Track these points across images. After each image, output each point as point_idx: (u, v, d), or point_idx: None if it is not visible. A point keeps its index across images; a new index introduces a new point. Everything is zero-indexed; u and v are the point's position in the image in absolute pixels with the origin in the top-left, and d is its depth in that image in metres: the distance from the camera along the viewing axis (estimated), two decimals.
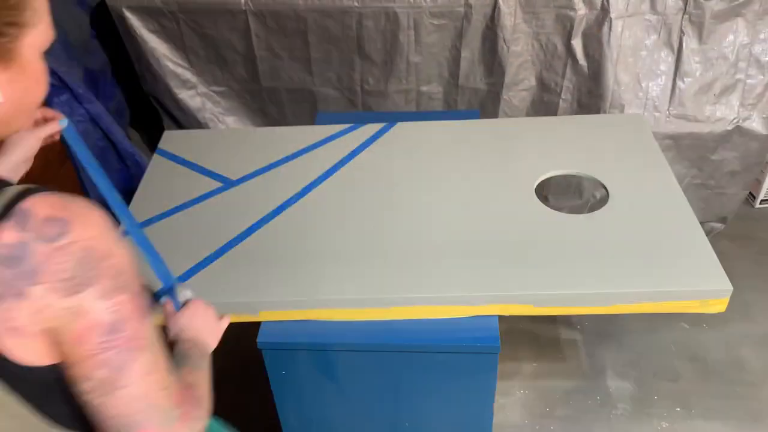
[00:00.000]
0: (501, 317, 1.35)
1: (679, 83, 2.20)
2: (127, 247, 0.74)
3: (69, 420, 0.80)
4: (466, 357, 1.34)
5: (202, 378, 0.95)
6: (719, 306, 1.33)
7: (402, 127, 1.81)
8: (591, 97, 2.25)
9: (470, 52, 2.25)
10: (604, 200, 1.56)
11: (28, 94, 0.76)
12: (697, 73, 2.19)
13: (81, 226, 0.70)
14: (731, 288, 1.30)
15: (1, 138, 0.78)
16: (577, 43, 2.17)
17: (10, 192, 0.70)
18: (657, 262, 1.36)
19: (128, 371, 0.74)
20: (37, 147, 1.23)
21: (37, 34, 0.74)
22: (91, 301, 0.70)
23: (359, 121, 1.85)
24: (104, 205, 0.97)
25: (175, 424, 0.80)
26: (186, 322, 1.07)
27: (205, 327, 1.08)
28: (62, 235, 0.68)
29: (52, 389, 0.76)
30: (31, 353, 0.71)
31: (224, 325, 1.12)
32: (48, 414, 0.78)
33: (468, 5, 2.13)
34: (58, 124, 1.19)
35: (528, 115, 2.37)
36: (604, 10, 2.09)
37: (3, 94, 0.71)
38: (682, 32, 2.13)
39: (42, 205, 0.69)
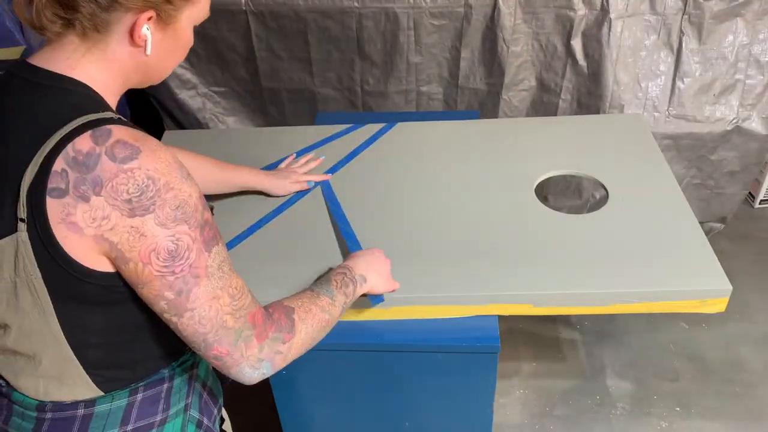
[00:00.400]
0: (501, 317, 1.35)
1: (678, 83, 2.21)
2: (194, 185, 0.82)
3: (97, 357, 0.89)
4: (465, 357, 1.34)
5: (320, 304, 1.03)
6: (719, 306, 1.33)
7: (402, 128, 1.81)
8: (591, 97, 2.26)
9: (470, 52, 2.26)
10: (603, 200, 1.56)
11: (171, 56, 0.89)
12: (697, 74, 2.19)
13: (149, 157, 0.77)
14: (731, 288, 1.30)
15: (137, 85, 0.91)
16: (576, 44, 2.17)
17: (106, 115, 0.79)
18: (656, 261, 1.36)
19: (192, 295, 0.81)
20: (287, 191, 1.55)
21: (197, 9, 0.90)
22: (151, 226, 0.77)
23: (359, 121, 1.86)
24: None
25: (250, 342, 0.87)
26: (359, 256, 1.20)
27: (372, 264, 1.20)
28: (130, 160, 0.76)
29: (95, 305, 0.84)
30: (84, 252, 0.78)
31: (394, 285, 1.25)
32: (79, 344, 0.87)
33: (468, 5, 2.14)
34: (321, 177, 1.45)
35: (528, 115, 2.38)
36: (604, 11, 2.09)
37: (152, 49, 0.84)
38: (681, 32, 2.13)
39: (121, 131, 0.77)
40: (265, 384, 1.47)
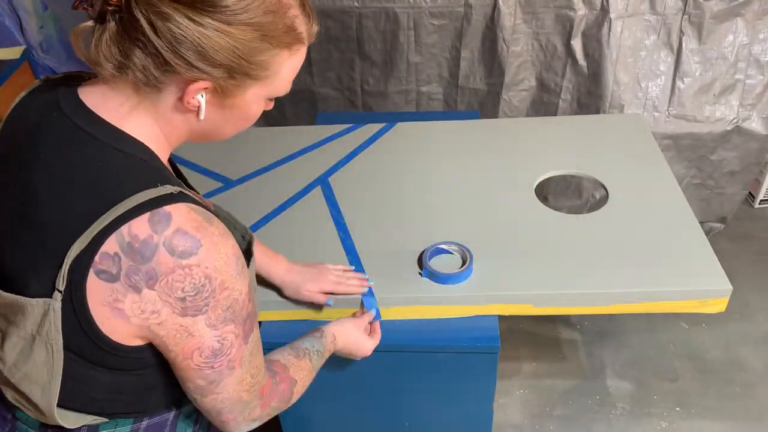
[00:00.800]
0: (501, 317, 1.35)
1: (678, 83, 2.21)
2: (246, 278, 0.79)
3: (101, 406, 0.86)
4: (466, 357, 1.34)
5: (311, 377, 1.08)
6: (719, 306, 1.33)
7: (402, 128, 1.81)
8: (591, 97, 2.25)
9: (470, 52, 2.25)
10: (603, 200, 1.56)
11: (230, 125, 0.83)
12: (697, 74, 2.19)
13: (210, 252, 0.73)
14: (731, 288, 1.30)
15: (197, 140, 0.86)
16: (576, 44, 2.17)
17: (165, 190, 0.73)
18: (657, 261, 1.36)
19: (223, 384, 0.83)
20: (298, 296, 1.34)
21: (269, 89, 0.80)
22: (201, 327, 0.76)
23: (359, 121, 1.86)
24: None
25: (254, 411, 0.91)
26: (350, 344, 1.22)
27: (353, 342, 1.22)
28: (189, 255, 0.72)
29: (112, 370, 0.81)
30: (121, 334, 0.76)
31: (371, 345, 1.25)
32: (83, 401, 0.84)
33: (468, 5, 2.14)
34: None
35: (528, 115, 2.38)
36: (604, 11, 2.09)
37: (206, 115, 0.78)
38: (681, 32, 2.13)
39: (181, 215, 0.72)
40: None
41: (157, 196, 0.72)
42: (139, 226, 0.70)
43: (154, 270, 0.71)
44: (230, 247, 0.76)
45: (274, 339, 1.35)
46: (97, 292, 0.72)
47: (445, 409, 1.49)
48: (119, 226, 0.70)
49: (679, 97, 2.22)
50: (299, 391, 1.03)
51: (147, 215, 0.70)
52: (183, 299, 0.73)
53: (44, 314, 0.74)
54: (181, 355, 0.78)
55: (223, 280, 0.74)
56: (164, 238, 0.71)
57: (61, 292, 0.72)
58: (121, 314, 0.73)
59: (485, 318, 1.35)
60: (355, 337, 1.22)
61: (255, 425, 0.94)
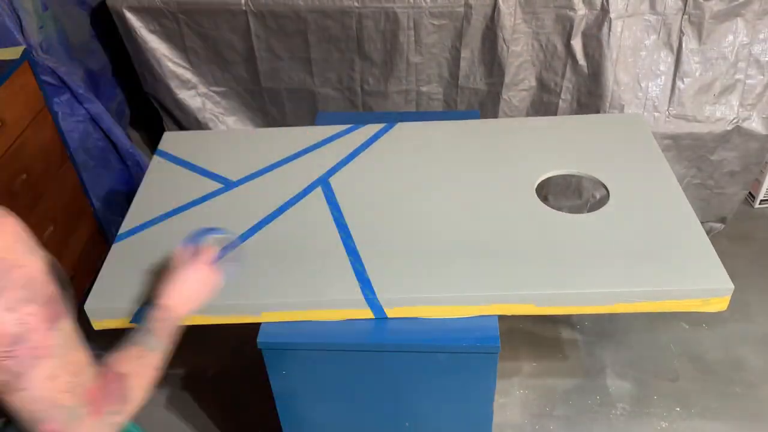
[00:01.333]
0: (501, 317, 1.35)
1: (678, 83, 2.21)
2: (39, 254, 0.75)
3: None
4: (466, 357, 1.34)
5: (148, 363, 0.96)
6: (721, 305, 1.33)
7: (402, 128, 1.81)
8: (591, 97, 2.26)
9: (470, 52, 2.26)
10: (603, 200, 1.56)
11: None
12: (697, 74, 2.19)
13: None
14: (732, 286, 1.30)
15: None
16: (576, 44, 2.17)
17: None
18: (658, 260, 1.36)
19: (28, 377, 0.75)
20: None
21: None
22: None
23: (359, 121, 1.85)
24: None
25: (84, 421, 0.81)
26: (175, 291, 1.11)
27: (190, 295, 1.12)
28: None
29: None
30: None
31: (215, 282, 1.16)
32: None
33: (468, 5, 2.14)
34: None
35: (528, 115, 2.38)
36: (604, 11, 2.09)
37: None
38: (681, 32, 2.13)
39: None
40: (265, 384, 1.47)
41: None
42: None
43: None
44: (11, 224, 0.73)
45: (275, 339, 1.36)
46: None
47: (445, 409, 1.49)
48: None
49: (679, 97, 2.22)
50: (139, 384, 0.92)
51: None
52: None
53: None
54: None
55: (14, 258, 0.72)
56: None
57: None
58: None
59: (485, 318, 1.35)
60: (190, 284, 1.12)
61: None
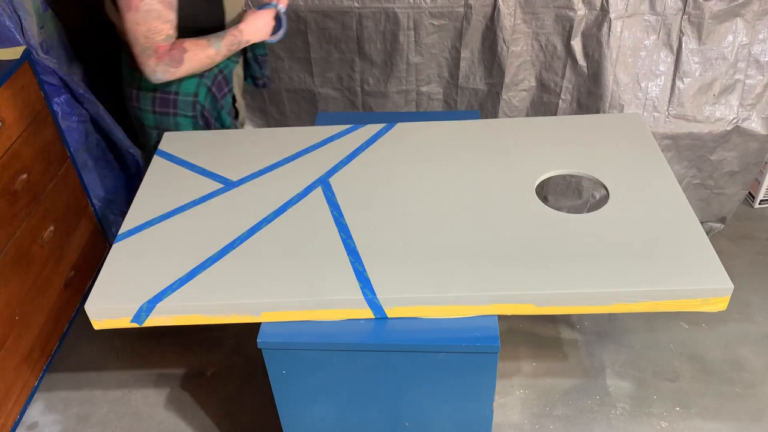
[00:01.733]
0: (501, 317, 1.36)
1: (678, 83, 2.21)
2: None
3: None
4: (465, 357, 1.35)
5: (207, 51, 1.66)
6: (720, 304, 1.33)
7: (402, 128, 1.81)
8: (590, 97, 2.26)
9: (470, 52, 2.26)
10: (603, 200, 1.56)
11: None
12: (697, 74, 2.19)
13: None
14: (732, 286, 1.30)
15: None
16: (576, 44, 2.17)
17: None
18: (657, 260, 1.36)
19: (126, 17, 1.52)
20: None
21: None
22: None
23: (359, 121, 1.86)
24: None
25: (150, 59, 1.58)
26: (250, 21, 1.75)
27: (260, 31, 1.78)
28: None
29: None
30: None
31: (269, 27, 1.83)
32: None
33: (468, 5, 2.14)
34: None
35: (528, 115, 2.38)
36: (604, 11, 2.09)
37: None
38: (681, 32, 2.13)
39: None
40: (265, 384, 1.47)
41: None
42: None
43: None
44: None
45: (275, 339, 1.36)
46: None
47: (444, 409, 1.49)
48: None
49: (679, 97, 2.23)
50: (193, 58, 1.63)
51: None
52: None
53: None
54: None
55: None
56: None
57: None
58: None
59: (485, 318, 1.35)
60: (260, 20, 1.76)
61: (159, 76, 1.60)
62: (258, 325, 1.38)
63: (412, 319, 1.36)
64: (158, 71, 1.59)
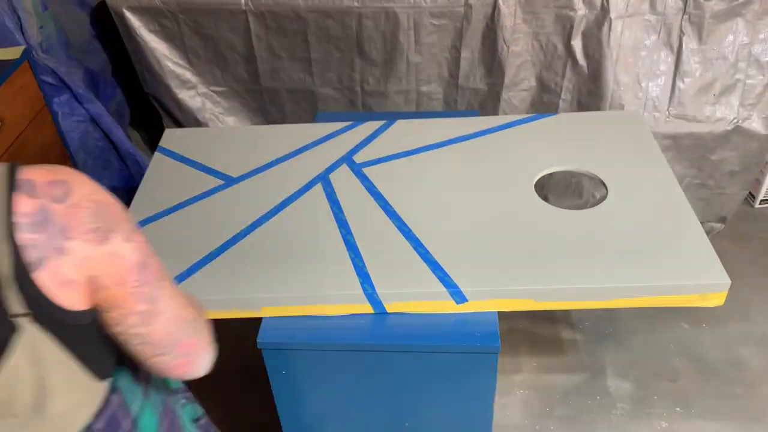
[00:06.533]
0: (501, 317, 1.35)
1: (678, 83, 2.21)
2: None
3: (102, 363, 0.86)
4: (465, 357, 1.34)
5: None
6: (718, 299, 1.33)
7: (401, 125, 1.81)
8: (591, 97, 2.26)
9: (470, 52, 2.26)
10: (603, 199, 1.56)
11: None
12: (697, 73, 2.19)
13: (79, 184, 0.76)
14: (729, 281, 1.30)
15: None
16: (576, 44, 2.17)
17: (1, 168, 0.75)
18: (655, 255, 1.36)
19: (161, 299, 0.82)
20: None
21: None
22: (120, 244, 0.76)
23: (359, 120, 1.86)
24: None
25: (204, 330, 0.91)
26: None
27: None
28: (69, 194, 0.74)
29: (89, 331, 0.81)
30: (76, 300, 0.76)
31: None
32: (84, 358, 0.82)
33: (468, 5, 2.14)
34: None
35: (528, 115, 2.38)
36: (604, 11, 2.09)
37: None
38: (681, 32, 2.13)
39: (37, 173, 0.75)
40: (265, 383, 1.46)
41: (3, 177, 0.74)
42: (22, 204, 0.72)
43: (58, 224, 0.72)
44: (84, 174, 0.79)
45: (275, 338, 1.36)
46: (48, 281, 0.73)
47: (445, 409, 1.48)
48: (10, 217, 0.71)
49: (680, 97, 2.23)
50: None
51: (20, 193, 0.72)
52: (97, 228, 0.74)
53: (32, 353, 0.74)
54: (120, 284, 0.77)
55: (106, 197, 0.78)
56: (43, 197, 0.73)
57: (25, 314, 0.72)
58: (70, 284, 0.74)
59: (485, 318, 1.35)
60: None
61: (213, 352, 0.94)
62: (258, 325, 1.38)
63: (412, 319, 1.35)
64: (209, 334, 0.96)
